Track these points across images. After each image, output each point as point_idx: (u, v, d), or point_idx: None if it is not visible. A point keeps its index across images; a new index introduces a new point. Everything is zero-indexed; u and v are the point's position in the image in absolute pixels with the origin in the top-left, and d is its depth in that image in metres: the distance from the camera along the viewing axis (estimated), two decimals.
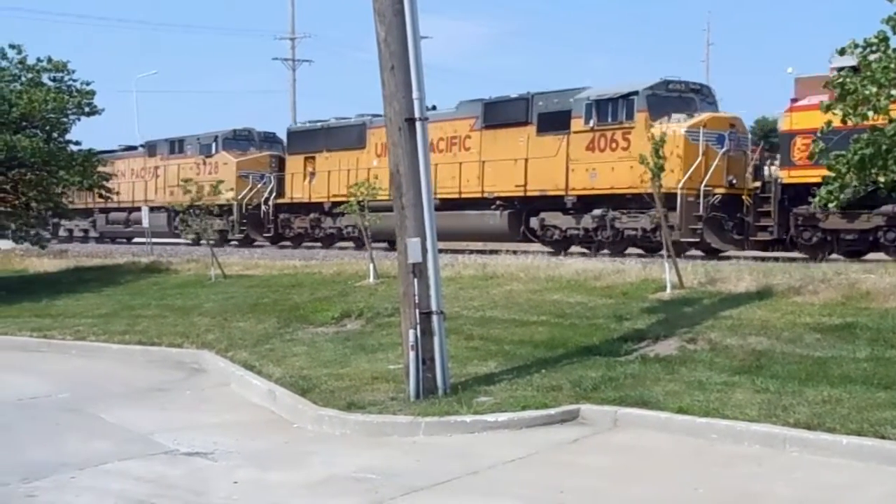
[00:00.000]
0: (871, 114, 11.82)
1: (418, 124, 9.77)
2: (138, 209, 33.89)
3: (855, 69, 12.37)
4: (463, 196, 24.56)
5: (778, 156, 21.07)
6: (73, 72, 23.19)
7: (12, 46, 22.88)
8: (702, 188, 19.89)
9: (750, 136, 22.61)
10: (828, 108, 12.09)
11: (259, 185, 32.01)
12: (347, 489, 7.41)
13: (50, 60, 23.01)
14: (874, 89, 11.52)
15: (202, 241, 32.22)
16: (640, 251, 21.67)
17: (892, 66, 11.30)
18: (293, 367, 11.56)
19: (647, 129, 20.15)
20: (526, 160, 23.07)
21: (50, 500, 7.34)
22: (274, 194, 31.30)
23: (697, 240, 20.34)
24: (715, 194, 20.03)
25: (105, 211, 38.11)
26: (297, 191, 30.30)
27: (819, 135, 12.67)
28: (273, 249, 29.05)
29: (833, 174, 12.40)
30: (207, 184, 22.27)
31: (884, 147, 11.75)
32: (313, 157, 29.71)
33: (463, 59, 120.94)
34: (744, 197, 20.02)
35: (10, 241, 25.59)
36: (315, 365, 11.57)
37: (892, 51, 11.49)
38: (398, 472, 7.78)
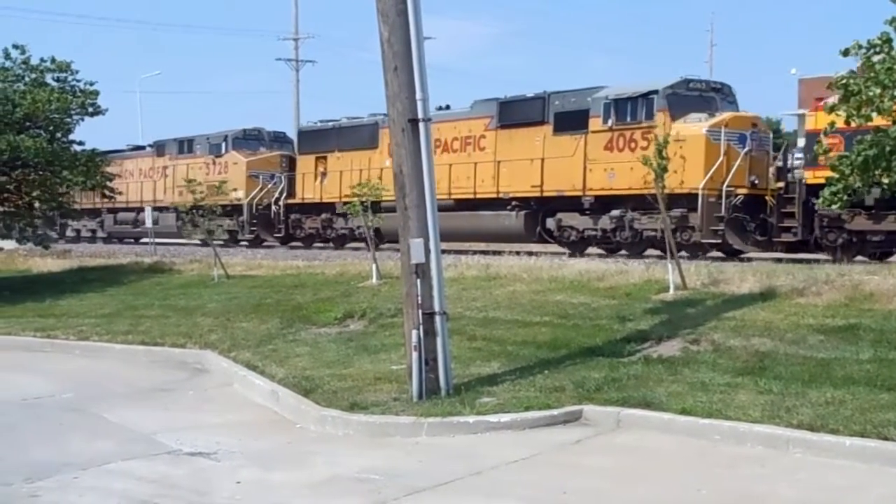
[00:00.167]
0: (874, 115, 11.82)
1: (422, 125, 9.77)
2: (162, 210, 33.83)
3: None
4: (478, 196, 24.37)
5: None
6: (77, 72, 23.24)
7: (16, 47, 22.92)
8: (724, 188, 19.64)
9: (771, 135, 22.37)
10: (832, 110, 12.10)
11: (269, 186, 31.75)
12: (350, 489, 7.41)
13: (53, 61, 23.02)
14: (878, 90, 11.53)
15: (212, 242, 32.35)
16: (658, 252, 21.18)
17: None
18: (296, 367, 11.57)
19: (668, 128, 19.95)
20: (542, 160, 22.80)
21: (53, 500, 7.35)
22: (285, 194, 31.07)
23: (719, 241, 20.06)
24: (737, 195, 19.76)
25: (113, 211, 37.94)
26: (308, 191, 30.05)
27: (823, 135, 12.69)
28: (276, 250, 29.01)
29: (837, 175, 12.42)
30: (210, 184, 22.20)
31: (887, 148, 11.76)
32: (325, 157, 29.46)
33: (466, 59, 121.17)
34: (767, 197, 19.74)
35: (13, 241, 25.59)
36: (318, 365, 11.58)
37: (895, 52, 11.49)
38: (401, 472, 7.78)
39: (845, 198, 12.75)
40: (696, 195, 19.66)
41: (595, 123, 21.69)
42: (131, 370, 13.21)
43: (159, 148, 37.20)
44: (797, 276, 13.33)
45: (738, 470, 7.53)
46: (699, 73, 23.78)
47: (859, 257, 18.33)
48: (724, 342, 10.72)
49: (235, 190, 31.78)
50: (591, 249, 22.85)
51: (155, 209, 33.67)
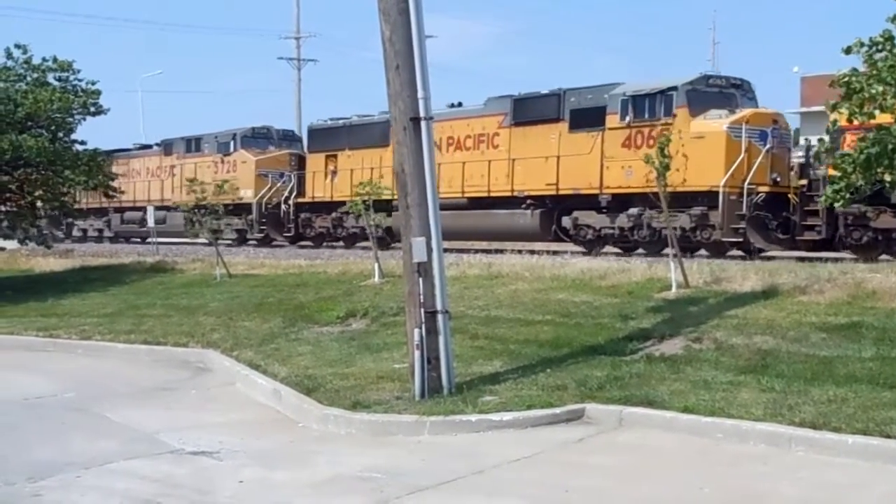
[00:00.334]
0: (877, 112, 11.80)
1: (423, 124, 9.78)
2: (155, 209, 33.48)
3: None
4: (492, 195, 24.09)
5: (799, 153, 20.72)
6: (79, 71, 23.26)
7: (18, 46, 22.93)
8: (745, 186, 19.35)
9: (792, 132, 22.15)
10: (834, 108, 12.08)
11: (279, 184, 31.48)
12: (353, 488, 7.41)
13: (55, 60, 23.03)
14: (880, 88, 11.51)
15: (220, 242, 32.24)
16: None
17: None
18: (298, 366, 11.57)
19: (687, 125, 19.81)
20: (558, 158, 22.48)
21: (56, 499, 7.36)
22: (294, 193, 30.75)
23: (740, 239, 19.78)
24: (758, 193, 19.49)
25: (120, 210, 37.72)
26: (318, 190, 29.69)
27: (826, 133, 12.67)
28: (278, 249, 29.02)
29: (839, 173, 12.39)
30: (214, 184, 22.16)
31: (890, 146, 11.74)
32: (335, 156, 29.11)
33: (467, 58, 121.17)
34: (790, 195, 19.41)
35: (16, 241, 25.61)
36: (320, 364, 11.58)
37: None
38: (403, 471, 7.78)
39: (847, 196, 12.73)
40: (717, 193, 19.38)
41: (612, 120, 21.36)
42: (134, 369, 13.23)
43: (167, 147, 36.89)
44: (799, 274, 13.32)
45: (741, 468, 7.53)
46: (705, 71, 23.66)
47: (884, 256, 18.07)
48: (726, 340, 10.72)
49: (238, 189, 31.64)
50: (608, 248, 22.53)
51: (163, 208, 33.54)
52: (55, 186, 23.39)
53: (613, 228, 21.85)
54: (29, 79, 22.86)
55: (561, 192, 22.67)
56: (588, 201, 22.24)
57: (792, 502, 6.83)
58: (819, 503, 6.81)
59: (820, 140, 14.10)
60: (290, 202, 30.79)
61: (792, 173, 19.75)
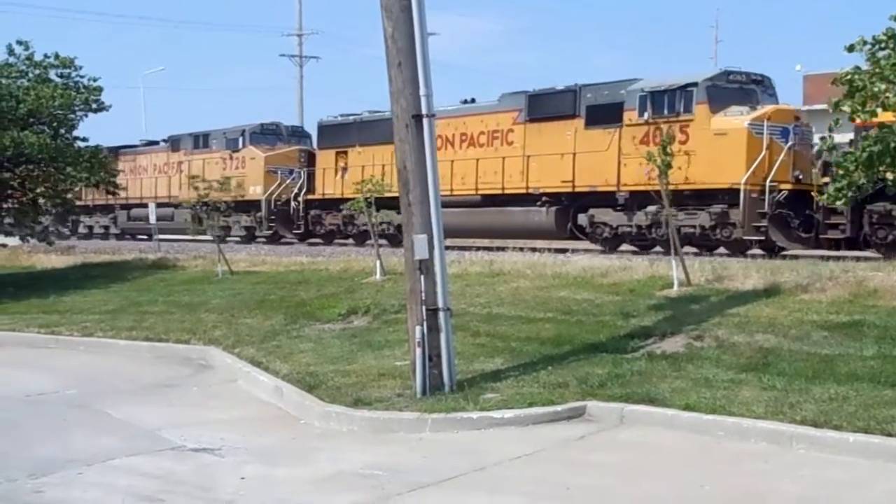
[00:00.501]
0: (879, 110, 11.81)
1: (425, 121, 9.77)
2: (162, 205, 33.35)
3: None
4: (506, 192, 23.83)
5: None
6: (81, 68, 23.26)
7: (20, 43, 22.94)
8: (767, 184, 19.03)
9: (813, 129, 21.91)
10: (836, 106, 12.08)
11: (288, 181, 31.07)
12: (354, 485, 7.42)
13: (57, 57, 23.03)
14: (883, 86, 11.52)
15: (228, 239, 32.13)
16: (695, 249, 20.63)
17: None
18: (300, 363, 11.58)
19: (708, 121, 19.59)
20: (574, 154, 22.16)
21: (57, 495, 7.36)
22: (304, 190, 30.33)
23: (762, 237, 19.45)
24: (780, 190, 19.20)
25: (126, 207, 37.41)
26: (328, 186, 29.26)
27: (828, 131, 12.68)
28: (280, 246, 29.01)
29: (841, 172, 12.40)
30: (215, 181, 22.15)
31: (892, 144, 11.75)
32: (345, 152, 28.69)
33: (470, 55, 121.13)
34: (814, 193, 18.77)
35: (17, 237, 25.62)
36: (322, 361, 11.59)
37: None
38: (405, 468, 7.79)
39: (849, 194, 12.74)
40: (738, 190, 19.11)
41: (630, 117, 21.06)
42: (135, 366, 13.24)
43: (174, 143, 36.49)
44: (801, 272, 13.32)
45: (742, 466, 7.53)
46: (705, 69, 23.52)
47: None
48: (727, 338, 10.72)
49: (240, 185, 31.49)
50: (625, 246, 22.26)
51: (170, 205, 33.28)
52: (57, 183, 23.41)
53: (631, 226, 21.44)
54: (31, 75, 22.87)
55: (577, 190, 22.31)
56: (605, 199, 21.91)
57: (793, 500, 6.83)
58: (820, 501, 6.80)
59: (822, 138, 14.11)
60: (300, 199, 30.41)
61: (815, 171, 19.34)
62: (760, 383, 9.14)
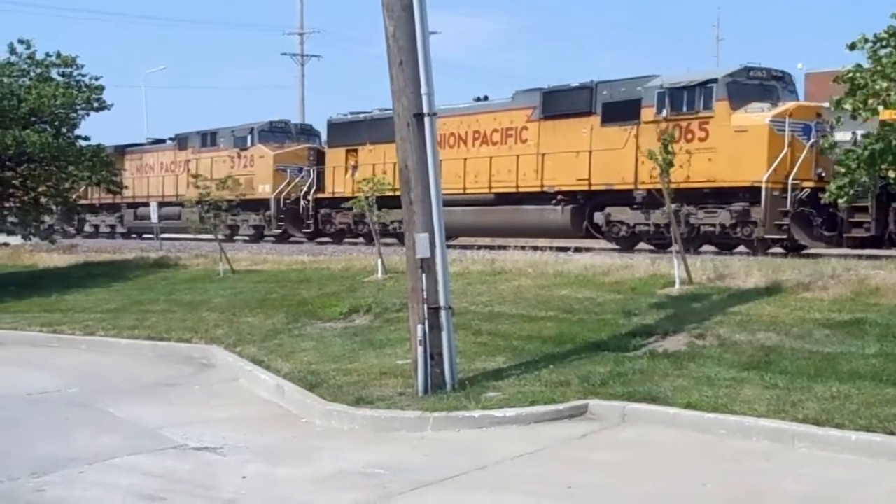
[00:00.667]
0: (881, 108, 11.80)
1: (427, 120, 9.77)
2: (169, 204, 33.16)
3: None
4: (520, 190, 23.57)
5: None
6: (82, 67, 23.24)
7: (21, 41, 22.92)
8: (789, 182, 18.73)
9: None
10: (838, 104, 12.07)
11: (297, 179, 30.73)
12: (355, 484, 7.42)
13: (59, 55, 23.01)
14: (884, 84, 11.51)
15: (236, 238, 32.05)
16: (714, 249, 20.57)
17: None
18: (301, 362, 11.58)
19: (728, 118, 19.37)
20: (590, 152, 21.84)
21: (59, 494, 7.36)
22: (314, 188, 30.03)
23: (784, 236, 19.18)
24: (803, 188, 18.88)
25: (133, 206, 37.07)
26: (338, 185, 28.85)
27: (830, 128, 12.67)
28: (280, 245, 28.99)
29: (843, 169, 12.39)
30: (219, 179, 22.11)
31: (894, 142, 11.73)
32: (356, 150, 28.35)
33: (472, 54, 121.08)
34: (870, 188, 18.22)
35: (19, 236, 25.63)
36: (323, 360, 11.59)
37: None
38: (406, 467, 7.79)
39: (851, 192, 12.73)
40: (759, 188, 18.83)
41: (648, 114, 20.72)
42: (137, 365, 13.25)
43: (181, 141, 36.13)
44: (803, 270, 13.31)
45: (744, 464, 7.52)
46: (708, 67, 23.40)
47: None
48: (729, 337, 10.71)
49: (248, 184, 31.31)
50: (642, 245, 22.01)
51: (178, 204, 33.07)
52: (59, 182, 23.42)
53: (648, 225, 21.05)
54: (32, 74, 22.86)
55: (593, 188, 22.04)
56: (621, 197, 21.60)
57: (795, 499, 6.82)
58: (822, 500, 6.80)
59: (824, 137, 14.10)
60: (310, 197, 30.09)
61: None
62: (762, 382, 9.13)
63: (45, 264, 25.20)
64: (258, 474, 7.79)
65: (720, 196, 19.77)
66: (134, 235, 37.69)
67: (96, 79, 23.35)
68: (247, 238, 32.36)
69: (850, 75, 11.84)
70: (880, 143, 11.86)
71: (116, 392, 11.36)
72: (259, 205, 31.46)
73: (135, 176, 37.44)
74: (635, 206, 21.37)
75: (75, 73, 23.09)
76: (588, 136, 22.03)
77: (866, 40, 11.75)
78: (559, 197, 22.93)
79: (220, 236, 23.56)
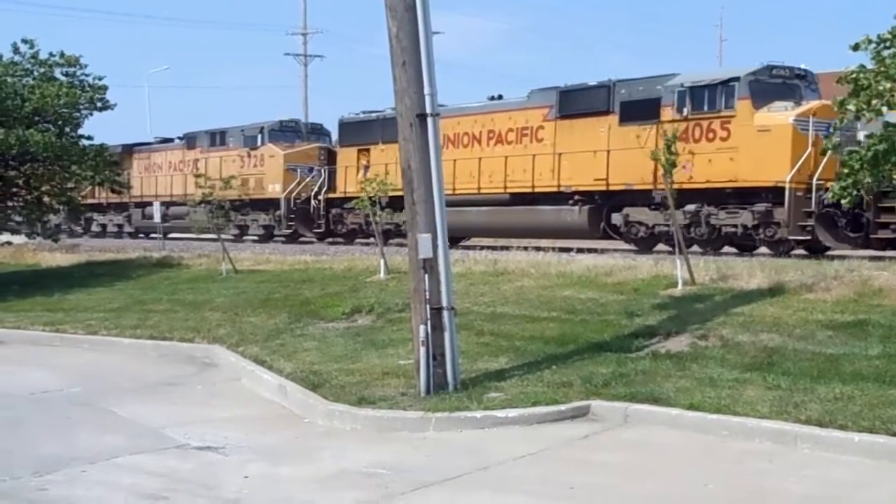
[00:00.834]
0: (885, 109, 11.79)
1: (430, 120, 9.77)
2: (177, 203, 32.95)
3: None
4: (536, 190, 23.30)
5: None
6: (86, 66, 23.28)
7: (25, 41, 22.95)
8: (813, 182, 18.34)
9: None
10: (842, 104, 12.06)
11: (307, 179, 30.52)
12: (357, 484, 7.41)
13: (62, 55, 23.05)
14: (888, 84, 11.49)
15: (245, 238, 31.96)
16: (735, 250, 20.36)
17: None
18: (304, 362, 11.58)
19: (750, 117, 19.17)
20: (608, 152, 21.53)
21: (61, 493, 7.37)
22: (325, 188, 29.72)
23: (808, 237, 18.82)
24: (827, 188, 18.07)
25: (141, 205, 36.73)
26: (350, 185, 28.44)
27: (833, 129, 12.66)
28: (285, 245, 28.99)
29: (846, 170, 12.38)
30: (220, 180, 22.10)
31: None
32: (368, 150, 27.99)
33: (475, 54, 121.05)
34: (862, 192, 18.79)
35: (23, 235, 25.66)
36: (326, 360, 11.59)
37: None
38: (408, 467, 7.78)
39: (855, 193, 12.72)
40: (783, 189, 18.53)
41: (667, 113, 20.38)
42: (140, 364, 13.25)
43: (189, 140, 35.86)
44: (806, 271, 13.30)
45: (746, 465, 7.51)
46: (710, 68, 23.27)
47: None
48: (732, 337, 10.70)
49: (258, 184, 31.29)
50: (660, 246, 21.47)
51: (185, 204, 33.06)
52: (62, 182, 23.44)
53: (668, 225, 20.36)
54: (36, 74, 22.90)
55: (611, 188, 21.72)
56: (640, 197, 21.32)
57: (797, 500, 6.82)
58: (825, 501, 6.79)
59: (827, 137, 14.08)
60: (321, 197, 29.81)
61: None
62: (765, 383, 9.12)
63: (47, 263, 25.23)
64: (260, 474, 7.79)
65: (742, 196, 19.52)
66: (142, 235, 37.48)
67: (100, 78, 23.44)
68: (256, 238, 32.25)
69: (854, 76, 11.83)
70: (884, 143, 11.85)
71: (119, 391, 11.36)
72: (269, 204, 31.32)
73: (143, 175, 37.35)
74: (654, 207, 21.08)
75: (79, 72, 23.15)
76: (606, 135, 21.72)
77: (870, 41, 11.74)
78: (576, 197, 22.62)
79: (229, 235, 23.53)
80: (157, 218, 30.40)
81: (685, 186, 19.75)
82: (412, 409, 9.24)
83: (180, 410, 10.28)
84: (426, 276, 9.70)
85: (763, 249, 20.10)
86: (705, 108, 20.02)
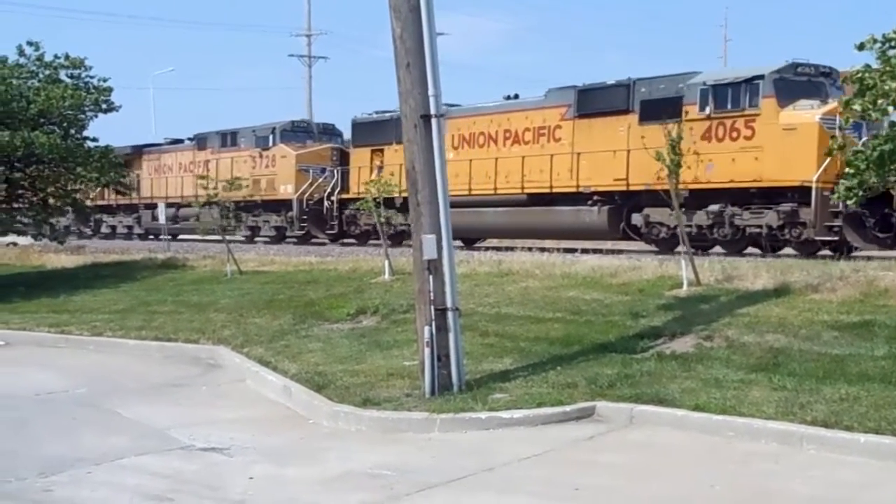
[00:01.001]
0: (890, 109, 11.78)
1: (434, 121, 9.76)
2: (189, 205, 32.32)
3: None
4: (554, 191, 22.92)
5: None
6: (91, 68, 23.33)
7: (30, 43, 23.03)
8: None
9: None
10: (847, 104, 12.05)
11: (320, 180, 30.19)
12: (362, 485, 7.41)
13: (67, 57, 23.12)
14: (893, 84, 11.48)
15: (257, 239, 31.85)
16: (758, 251, 19.89)
17: None
18: (308, 363, 11.58)
19: (775, 116, 18.87)
20: (627, 151, 20.96)
21: (66, 494, 7.38)
22: (338, 189, 29.30)
23: (835, 238, 18.42)
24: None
25: (151, 207, 36.38)
26: (363, 185, 27.76)
27: (839, 129, 12.65)
28: (289, 246, 28.96)
29: (851, 171, 12.36)
30: (225, 181, 22.13)
31: None
32: (381, 150, 27.53)
33: (479, 55, 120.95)
34: (893, 191, 17.22)
35: (29, 236, 25.72)
36: (330, 361, 11.59)
37: None
38: (413, 468, 7.78)
39: (860, 193, 12.70)
40: (809, 189, 18.12)
41: (690, 111, 19.97)
42: (145, 366, 13.27)
43: (200, 141, 35.57)
44: (811, 272, 13.27)
45: (752, 466, 7.50)
46: (714, 68, 23.10)
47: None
48: (737, 338, 10.68)
49: (270, 184, 31.17)
50: (681, 248, 21.39)
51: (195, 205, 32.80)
52: (67, 183, 23.49)
53: (690, 226, 19.67)
54: (41, 76, 22.97)
55: (631, 188, 21.26)
56: (661, 198, 21.35)
57: (803, 501, 6.80)
58: (830, 502, 6.77)
59: (832, 137, 14.06)
60: (334, 198, 29.47)
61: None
62: (771, 384, 9.10)
63: (53, 265, 25.26)
64: (265, 475, 7.79)
65: (767, 196, 19.25)
66: (152, 237, 37.17)
67: (105, 80, 23.50)
68: (268, 239, 32.12)
69: (859, 76, 11.82)
70: (889, 143, 11.83)
71: (124, 392, 11.38)
72: (281, 205, 31.11)
73: (153, 176, 37.15)
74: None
75: (83, 74, 23.22)
76: (625, 134, 21.28)
77: (875, 41, 11.72)
78: (595, 197, 22.28)
79: (240, 237, 23.47)
80: (162, 219, 30.37)
81: (708, 186, 19.58)
82: (417, 410, 9.23)
83: (185, 411, 10.29)
84: (431, 277, 9.70)
85: (788, 250, 19.68)
86: (729, 106, 19.64)
